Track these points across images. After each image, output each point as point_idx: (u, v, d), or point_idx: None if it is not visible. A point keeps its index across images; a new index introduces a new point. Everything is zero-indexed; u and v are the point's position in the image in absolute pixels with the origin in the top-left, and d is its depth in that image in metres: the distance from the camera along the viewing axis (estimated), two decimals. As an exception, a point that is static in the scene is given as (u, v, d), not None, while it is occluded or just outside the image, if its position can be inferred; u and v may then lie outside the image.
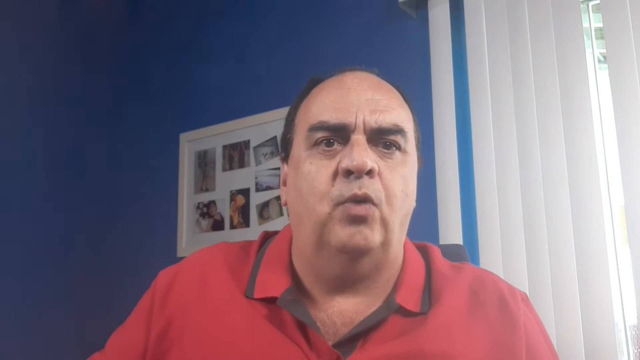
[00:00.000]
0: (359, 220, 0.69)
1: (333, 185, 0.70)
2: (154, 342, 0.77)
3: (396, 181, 0.72)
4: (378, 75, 0.80)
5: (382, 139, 0.73)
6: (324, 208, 0.70)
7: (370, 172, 0.69)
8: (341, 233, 0.69)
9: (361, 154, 0.69)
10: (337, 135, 0.72)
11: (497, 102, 1.62)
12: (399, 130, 0.73)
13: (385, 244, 0.72)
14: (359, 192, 0.69)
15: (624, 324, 1.44)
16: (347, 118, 0.72)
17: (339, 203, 0.69)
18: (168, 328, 0.77)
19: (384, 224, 0.71)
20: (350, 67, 0.80)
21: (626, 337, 1.44)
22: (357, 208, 0.69)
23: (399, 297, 0.74)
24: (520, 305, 0.77)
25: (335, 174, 0.71)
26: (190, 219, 2.23)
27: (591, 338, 1.38)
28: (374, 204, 0.70)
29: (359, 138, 0.71)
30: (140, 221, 2.35)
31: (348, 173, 0.69)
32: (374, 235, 0.70)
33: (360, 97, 0.73)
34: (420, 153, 0.80)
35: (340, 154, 0.71)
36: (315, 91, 0.79)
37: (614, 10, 1.48)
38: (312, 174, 0.72)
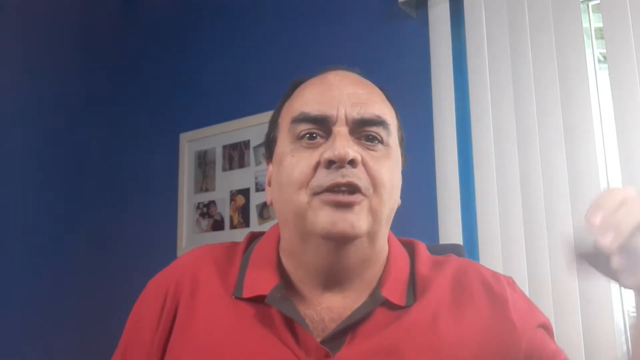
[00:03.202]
0: (343, 206, 0.69)
1: (314, 176, 0.70)
2: (155, 351, 0.76)
3: (383, 171, 0.72)
4: (360, 74, 0.81)
5: (365, 131, 0.73)
6: (302, 197, 0.70)
7: (352, 162, 0.69)
8: (323, 219, 0.69)
9: (343, 144, 0.69)
10: (319, 128, 0.73)
11: (497, 102, 1.62)
12: (381, 122, 0.73)
13: (372, 234, 0.72)
14: (342, 180, 0.68)
15: (624, 324, 1.44)
16: (329, 110, 0.72)
17: (317, 193, 0.69)
18: (164, 336, 0.77)
19: (373, 213, 0.71)
20: (332, 67, 0.81)
21: (626, 337, 1.43)
22: (340, 196, 0.69)
23: (385, 290, 0.74)
24: (507, 289, 0.78)
25: (316, 166, 0.71)
26: (190, 219, 2.23)
27: (591, 338, 1.38)
28: (363, 194, 0.70)
29: (341, 130, 0.71)
30: (140, 221, 2.35)
31: (330, 163, 0.69)
32: (360, 222, 0.69)
33: (342, 92, 0.74)
34: (404, 151, 0.80)
35: (322, 146, 0.72)
36: (297, 90, 0.80)
37: (614, 10, 1.48)
38: (293, 164, 0.72)
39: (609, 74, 1.47)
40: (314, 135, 0.73)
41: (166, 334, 0.77)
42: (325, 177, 0.69)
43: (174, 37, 2.43)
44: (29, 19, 2.23)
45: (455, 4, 1.76)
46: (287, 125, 0.75)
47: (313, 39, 2.05)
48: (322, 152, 0.71)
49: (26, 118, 2.18)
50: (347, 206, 0.69)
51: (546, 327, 0.78)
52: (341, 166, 0.69)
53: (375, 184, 0.71)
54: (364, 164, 0.71)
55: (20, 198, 2.12)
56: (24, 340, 2.04)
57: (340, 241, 0.70)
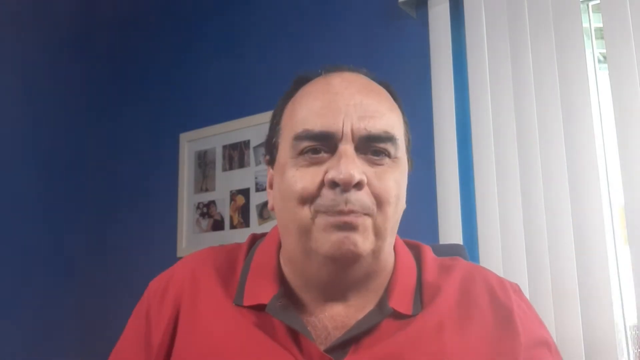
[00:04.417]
0: (347, 227, 0.67)
1: (319, 194, 0.68)
2: (157, 353, 0.75)
3: (387, 188, 0.69)
4: (367, 74, 0.77)
5: (372, 146, 0.70)
6: (306, 213, 0.68)
7: (358, 185, 0.67)
8: (328, 241, 0.67)
9: (348, 166, 0.66)
10: (323, 144, 0.69)
11: (497, 102, 1.62)
12: (389, 138, 0.70)
13: (377, 251, 0.70)
14: (345, 209, 0.66)
15: (624, 324, 1.44)
16: (333, 126, 0.69)
17: (321, 212, 0.68)
18: (166, 337, 0.76)
19: (377, 232, 0.69)
20: (337, 67, 0.77)
21: (626, 337, 1.43)
22: (345, 217, 0.67)
23: (392, 301, 0.72)
24: (512, 297, 0.76)
25: (320, 183, 0.68)
26: (190, 219, 2.23)
27: (591, 338, 1.38)
28: (367, 214, 0.68)
29: (346, 148, 0.68)
30: (141, 221, 2.35)
31: (334, 185, 0.67)
32: (365, 243, 0.68)
33: (348, 102, 0.70)
34: (410, 155, 0.77)
35: (327, 162, 0.69)
36: (301, 93, 0.76)
37: (614, 10, 1.48)
38: (297, 178, 0.69)
39: (609, 74, 1.47)
40: (318, 149, 0.69)
41: (169, 335, 0.76)
42: (329, 201, 0.67)
43: (174, 37, 2.43)
44: (27, 18, 2.23)
45: (455, 4, 1.76)
46: (290, 139, 0.71)
47: (313, 39, 2.05)
48: (326, 169, 0.68)
49: (26, 118, 2.18)
50: (352, 227, 0.67)
51: (548, 344, 0.76)
52: (346, 190, 0.66)
53: (380, 203, 0.68)
54: (369, 184, 0.68)
55: (21, 198, 2.12)
56: (24, 340, 2.04)
57: (345, 262, 0.69)
